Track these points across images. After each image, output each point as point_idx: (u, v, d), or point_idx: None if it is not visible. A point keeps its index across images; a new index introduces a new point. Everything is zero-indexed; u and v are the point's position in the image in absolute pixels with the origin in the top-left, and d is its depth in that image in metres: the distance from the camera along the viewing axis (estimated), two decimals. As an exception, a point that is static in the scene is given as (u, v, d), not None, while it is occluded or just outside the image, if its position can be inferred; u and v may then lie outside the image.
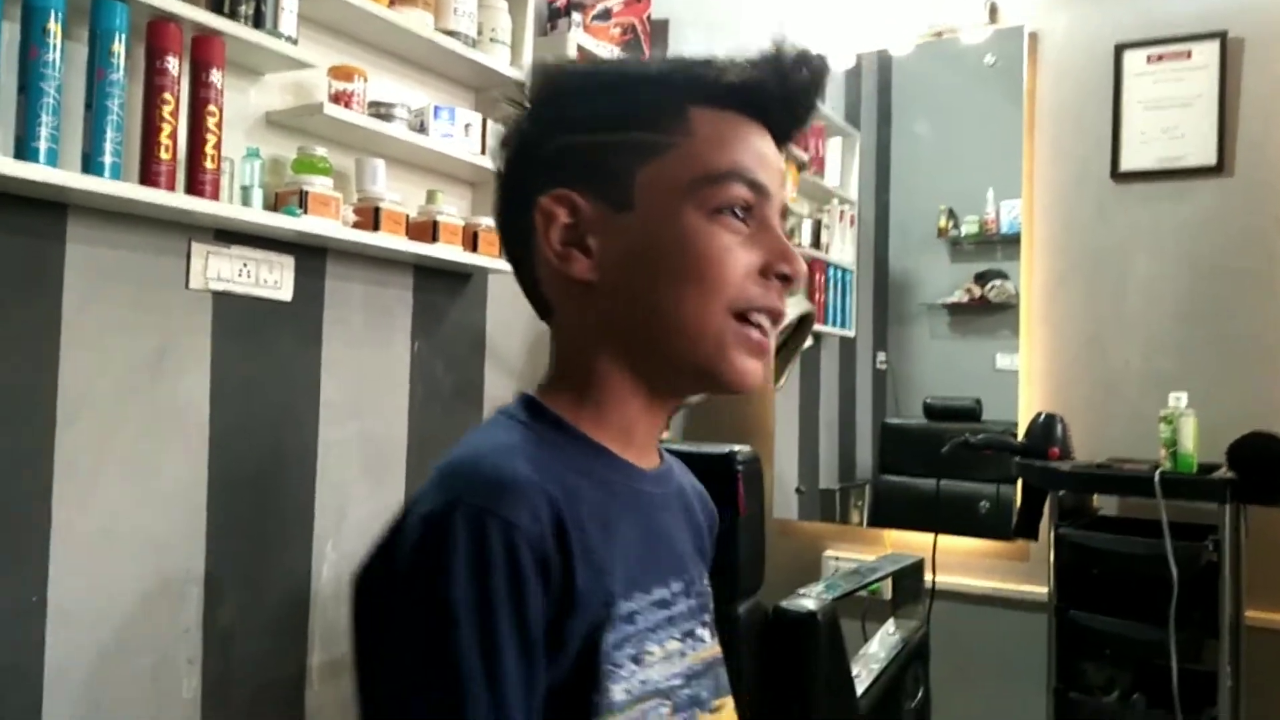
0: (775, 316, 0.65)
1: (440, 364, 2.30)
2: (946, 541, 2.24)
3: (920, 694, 1.81)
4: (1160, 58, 2.25)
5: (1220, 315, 2.19)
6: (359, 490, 2.09)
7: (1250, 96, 2.18)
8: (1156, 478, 1.84)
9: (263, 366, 1.89)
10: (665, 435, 2.47)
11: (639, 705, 0.59)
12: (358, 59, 2.02)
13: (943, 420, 3.14)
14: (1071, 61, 2.37)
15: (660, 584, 0.64)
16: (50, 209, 1.52)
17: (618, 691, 0.58)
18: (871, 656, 1.76)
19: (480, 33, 2.24)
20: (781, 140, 0.68)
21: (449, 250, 2.12)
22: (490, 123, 2.26)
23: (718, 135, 0.63)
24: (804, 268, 0.65)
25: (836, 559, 2.49)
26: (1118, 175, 2.30)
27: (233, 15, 1.69)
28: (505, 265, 2.10)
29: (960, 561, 2.36)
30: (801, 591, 1.56)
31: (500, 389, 2.45)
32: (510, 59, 2.32)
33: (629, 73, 0.69)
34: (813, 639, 1.42)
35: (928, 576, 2.13)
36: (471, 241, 2.19)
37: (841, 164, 3.93)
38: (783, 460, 3.03)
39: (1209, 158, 2.20)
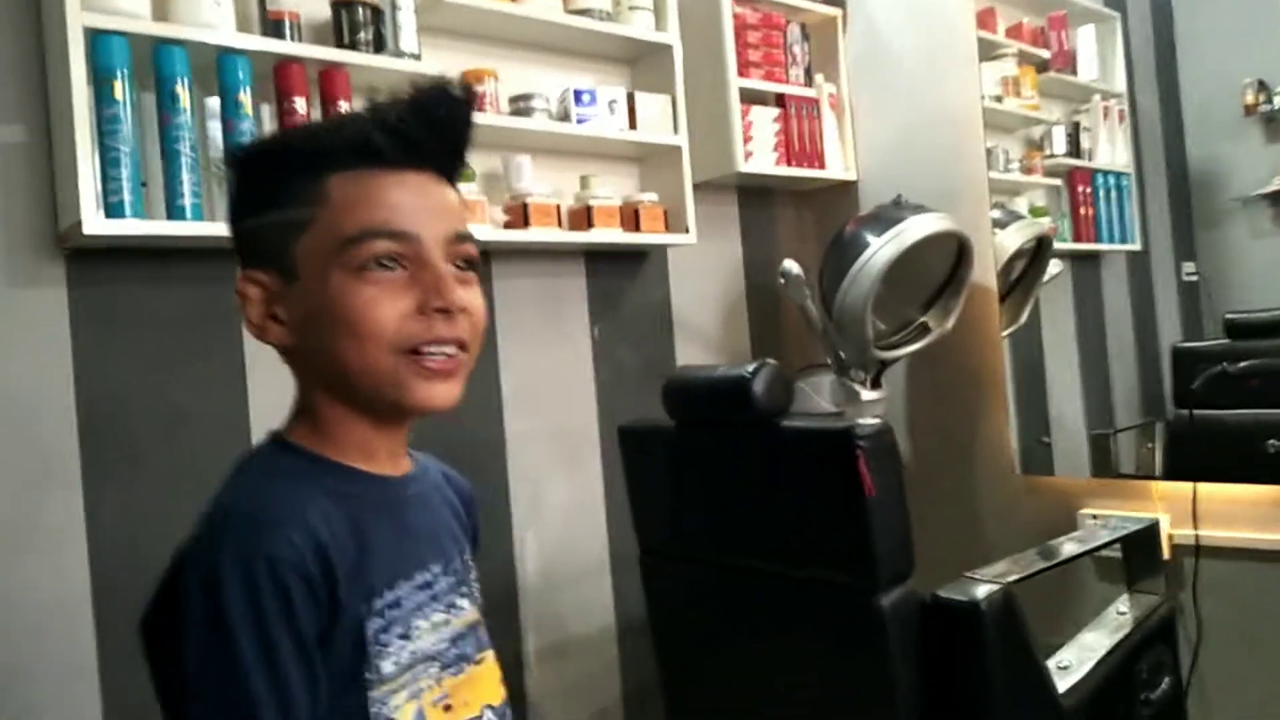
0: (449, 342, 0.71)
1: (625, 346, 2.29)
2: (1244, 491, 1.84)
3: (1165, 684, 1.50)
4: None
5: None
6: (553, 480, 2.14)
7: None
8: None
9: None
10: (874, 394, 2.27)
11: (409, 671, 0.71)
12: (489, 58, 2.03)
13: (1248, 338, 2.61)
14: None
15: (421, 569, 0.76)
16: (217, 255, 1.69)
17: (387, 665, 0.70)
18: (1087, 645, 1.48)
19: (618, 3, 2.17)
20: (447, 173, 0.75)
21: (608, 234, 2.09)
22: (640, 95, 2.19)
23: (350, 199, 0.70)
24: (457, 295, 0.70)
25: (1094, 518, 2.15)
26: None
27: (353, 46, 1.77)
28: (684, 239, 2.04)
29: (1258, 514, 1.94)
30: (975, 574, 1.34)
31: (696, 361, 2.39)
32: (655, 24, 2.23)
33: (280, 150, 0.77)
34: (976, 634, 1.22)
35: (1190, 533, 1.76)
36: (634, 220, 2.15)
37: (1099, 54, 3.38)
38: (1038, 405, 2.67)
39: None
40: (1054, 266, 2.76)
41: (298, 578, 0.64)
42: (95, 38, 1.47)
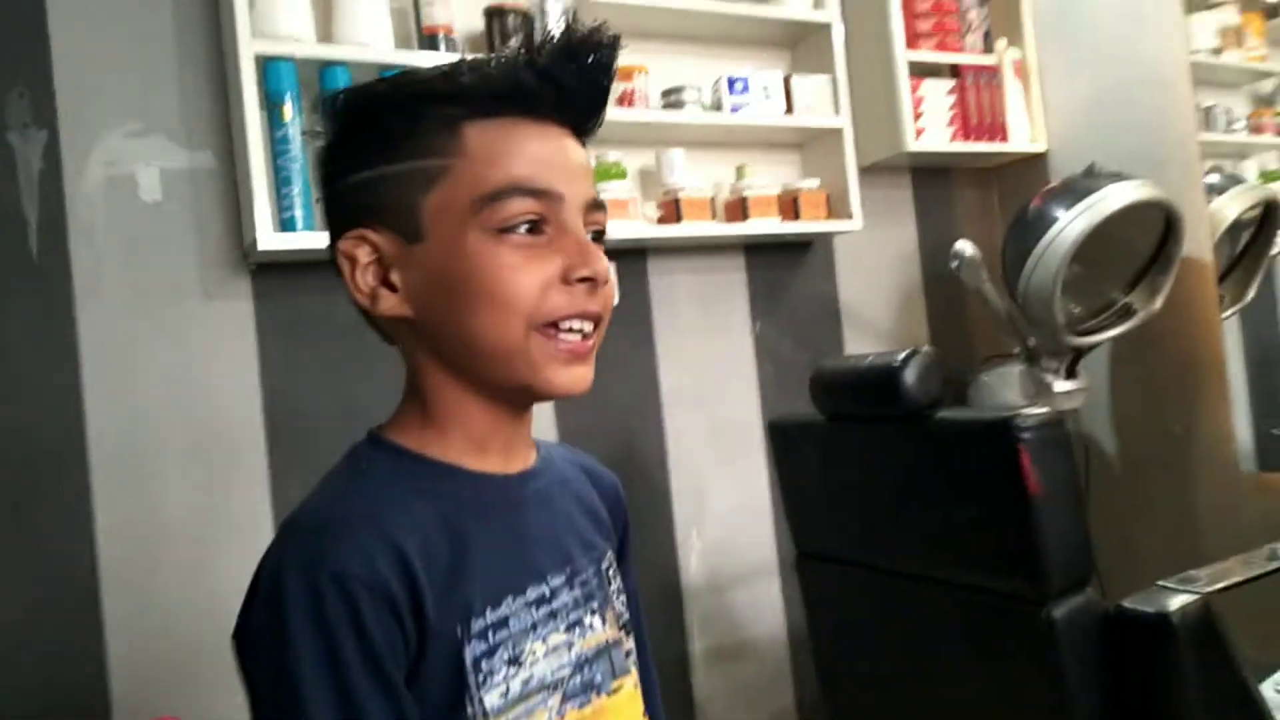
0: (590, 318, 0.65)
1: (789, 340, 2.21)
2: None
3: None
4: None
5: None
6: (716, 477, 2.10)
7: None
8: None
9: (601, 368, 2.00)
10: (1069, 385, 2.08)
11: (521, 704, 0.62)
12: (640, 53, 2.01)
13: None
14: None
15: (537, 582, 0.66)
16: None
17: (493, 698, 0.61)
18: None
19: (770, -14, 2.10)
20: (581, 131, 0.67)
21: (765, 224, 2.03)
22: (795, 78, 2.11)
23: (491, 150, 0.63)
24: (605, 265, 0.64)
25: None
26: None
27: (504, 53, 1.81)
28: (849, 225, 1.96)
29: None
30: (1172, 582, 1.17)
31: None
32: (813, 2, 2.15)
33: (403, 93, 0.65)
34: (1166, 651, 1.06)
35: None
36: (793, 209, 2.07)
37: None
38: (1272, 392, 2.34)
39: None
40: (1283, 239, 2.41)
41: (370, 593, 0.56)
42: (265, 64, 1.59)
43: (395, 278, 0.64)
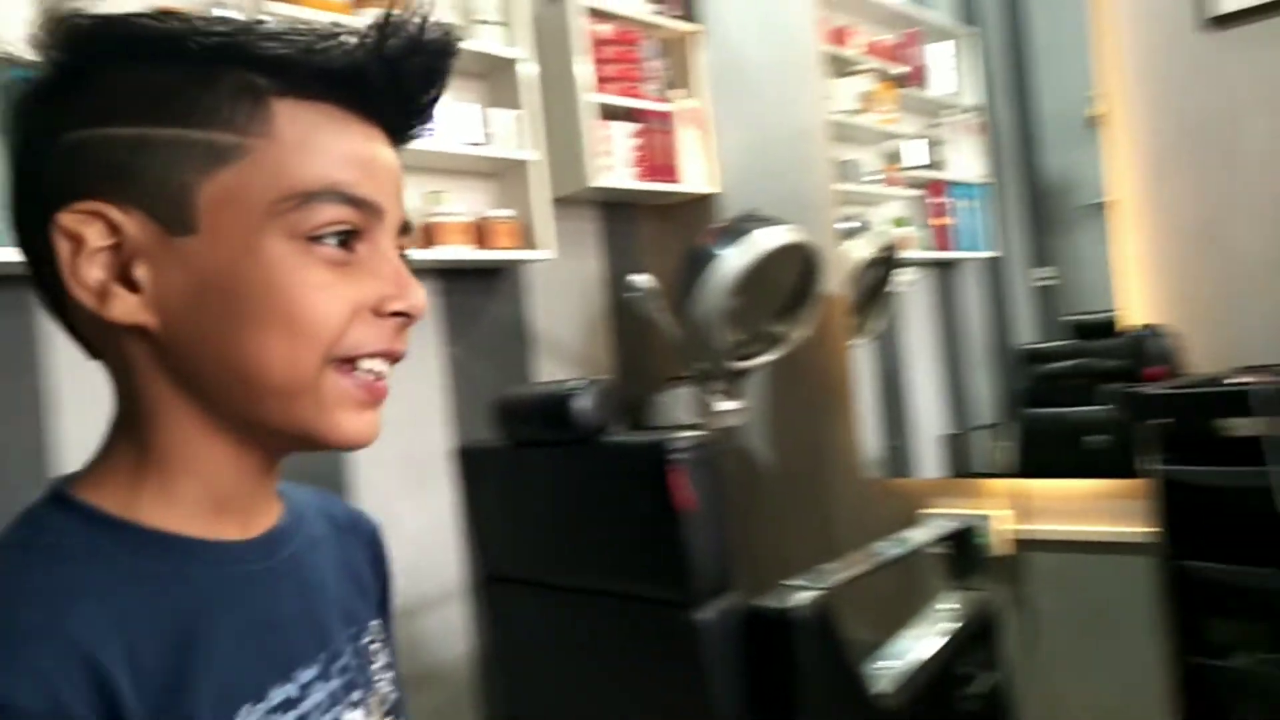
0: (393, 358, 0.54)
1: (483, 365, 2.28)
2: (1067, 485, 1.94)
3: (987, 679, 1.56)
4: None
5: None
6: (405, 503, 2.11)
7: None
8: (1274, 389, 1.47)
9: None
10: (730, 405, 2.31)
11: None
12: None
13: (1087, 338, 2.75)
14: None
15: (281, 681, 0.52)
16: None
17: None
18: (910, 645, 1.54)
19: (468, 18, 2.17)
20: (398, 140, 0.55)
21: (455, 250, 2.08)
22: (489, 110, 2.19)
23: (306, 139, 0.49)
24: (423, 300, 0.53)
25: (936, 517, 2.23)
26: (1211, 21, 1.86)
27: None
28: (541, 254, 1.96)
29: (1081, 508, 2.04)
30: (797, 580, 1.38)
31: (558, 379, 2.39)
32: (506, 39, 2.23)
33: (192, 39, 0.48)
34: (786, 643, 1.25)
35: (1022, 528, 1.85)
36: (486, 236, 2.14)
37: (958, 69, 3.52)
38: (895, 409, 2.76)
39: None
40: (907, 275, 2.86)
41: None
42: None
43: (141, 274, 0.48)
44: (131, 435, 0.51)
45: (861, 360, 2.59)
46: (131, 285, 0.49)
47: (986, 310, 3.80)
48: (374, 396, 0.53)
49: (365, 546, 0.67)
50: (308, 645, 0.55)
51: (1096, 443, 2.04)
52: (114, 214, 0.48)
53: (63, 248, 0.49)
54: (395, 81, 0.52)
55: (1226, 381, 1.61)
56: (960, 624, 1.60)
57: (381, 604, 0.68)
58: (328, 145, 0.50)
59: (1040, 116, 3.78)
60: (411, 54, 0.51)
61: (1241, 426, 1.57)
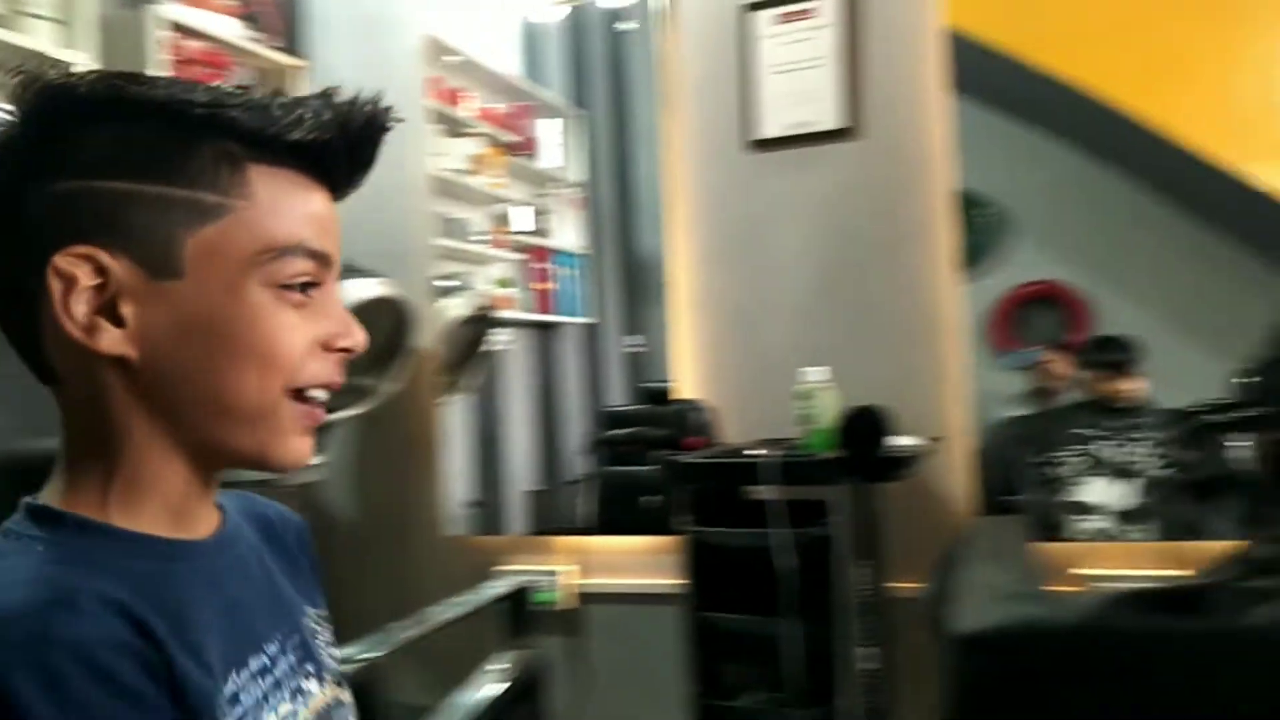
0: (333, 389, 0.62)
1: None
2: (622, 542, 2.10)
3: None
4: (787, 17, 2.14)
5: (859, 285, 2.11)
6: None
7: (876, 55, 2.10)
8: (774, 462, 1.73)
9: None
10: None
11: None
12: None
13: (655, 404, 3.01)
14: (703, 25, 2.24)
15: (255, 652, 0.62)
16: None
17: None
18: (458, 707, 1.58)
19: (15, 5, 1.90)
20: (337, 196, 0.64)
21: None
22: None
23: (277, 201, 0.59)
24: (364, 338, 0.62)
25: (506, 575, 2.31)
26: (754, 143, 2.19)
27: None
28: None
29: (635, 562, 2.23)
30: (357, 646, 1.35)
31: None
32: (63, 38, 1.99)
33: (174, 107, 0.56)
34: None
35: (586, 582, 1.97)
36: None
37: (565, 146, 3.77)
38: (487, 466, 2.83)
39: (838, 121, 2.11)
40: (504, 335, 2.96)
41: (121, 654, 0.50)
42: None
43: (127, 311, 0.56)
44: (98, 454, 0.58)
45: (455, 417, 2.63)
46: (117, 321, 0.56)
47: (583, 373, 4.07)
48: (316, 421, 0.61)
49: (296, 540, 0.75)
50: (267, 625, 0.65)
51: (651, 502, 2.25)
52: (104, 258, 0.56)
53: (55, 286, 0.55)
54: (350, 153, 0.62)
55: (746, 452, 1.87)
56: (509, 682, 1.66)
57: (316, 588, 0.77)
58: (295, 206, 0.59)
59: (638, 197, 4.16)
60: (367, 129, 0.62)
61: (754, 492, 1.83)
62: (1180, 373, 2.66)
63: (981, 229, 4.20)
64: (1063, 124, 3.83)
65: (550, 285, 3.56)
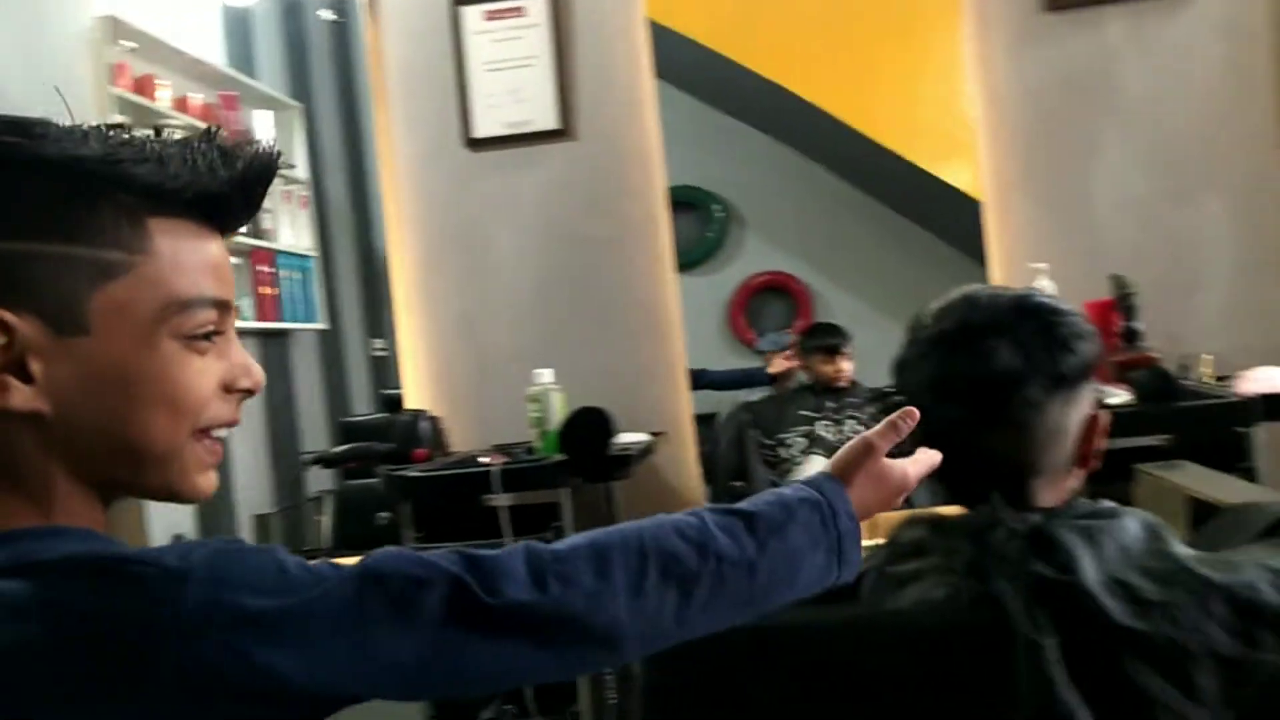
0: (232, 426, 0.64)
1: None
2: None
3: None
4: (496, 14, 2.10)
5: (579, 285, 2.12)
6: None
7: (585, 56, 2.10)
8: (496, 473, 1.68)
9: None
10: None
11: None
12: None
13: (394, 413, 2.86)
14: (411, 18, 2.15)
15: None
16: None
17: None
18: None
19: None
20: (227, 236, 0.64)
21: None
22: None
23: (179, 254, 0.59)
24: (263, 377, 0.64)
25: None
26: (471, 142, 2.13)
27: None
28: None
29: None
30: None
31: None
32: None
33: (67, 164, 0.56)
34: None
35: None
36: None
37: (281, 139, 3.52)
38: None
39: (553, 121, 2.09)
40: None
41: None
42: None
43: (35, 368, 0.56)
44: (14, 494, 0.59)
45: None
46: (26, 377, 0.56)
47: (326, 382, 3.84)
48: (218, 458, 0.63)
49: None
50: None
51: (385, 519, 2.15)
52: (8, 317, 0.56)
53: None
54: (246, 200, 0.62)
55: (480, 460, 1.82)
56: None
57: None
58: (195, 257, 0.59)
59: (373, 194, 3.98)
60: (260, 177, 0.61)
61: (491, 501, 1.78)
62: (890, 353, 2.90)
63: (716, 224, 4.41)
64: (781, 125, 4.08)
65: (273, 290, 3.32)
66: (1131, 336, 1.64)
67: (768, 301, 4.58)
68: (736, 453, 2.82)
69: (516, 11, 2.09)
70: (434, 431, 1.95)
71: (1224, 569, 0.76)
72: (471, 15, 2.11)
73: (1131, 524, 0.79)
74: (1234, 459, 1.60)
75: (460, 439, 2.10)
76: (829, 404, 2.80)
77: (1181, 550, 0.77)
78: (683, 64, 3.34)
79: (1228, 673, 0.72)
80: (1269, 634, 0.73)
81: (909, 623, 0.78)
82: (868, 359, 2.81)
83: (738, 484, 2.51)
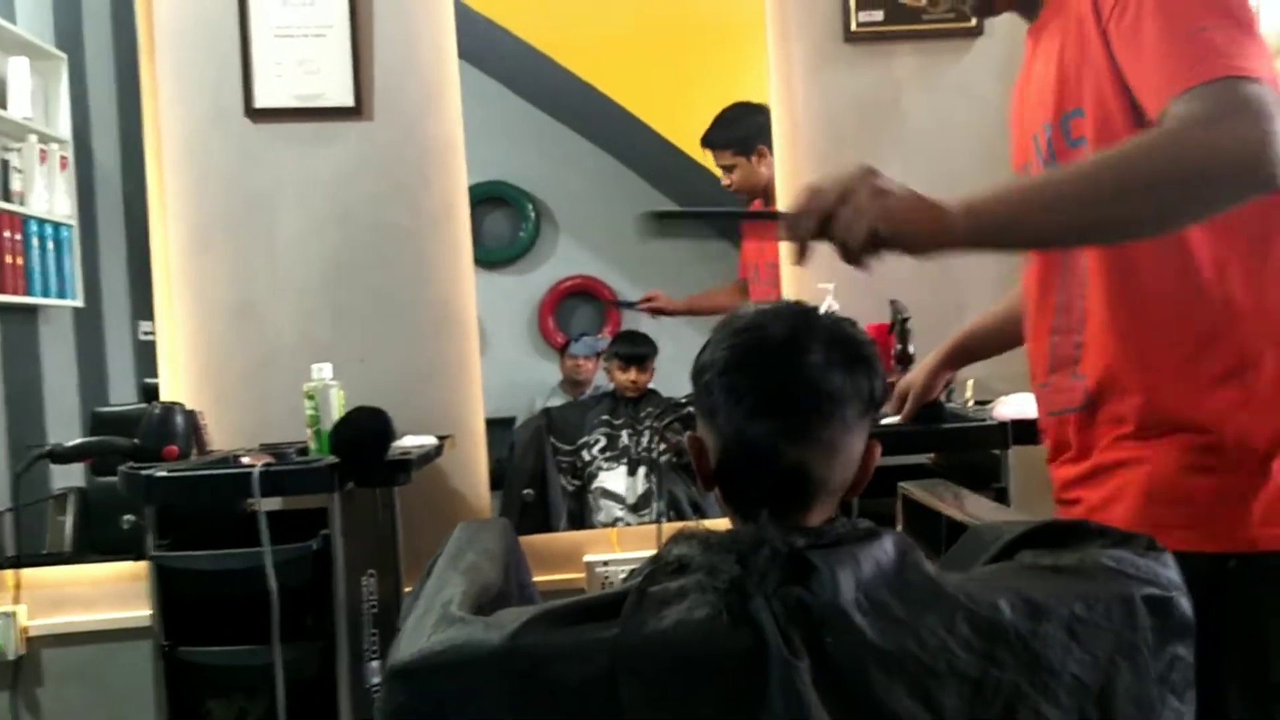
0: None
1: None
2: (83, 571, 1.77)
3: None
4: (289, -26, 1.94)
5: (371, 275, 1.99)
6: None
7: (383, 32, 1.98)
8: (256, 475, 1.54)
9: None
10: None
11: None
12: None
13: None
14: (193, -31, 1.96)
15: None
16: None
17: None
18: None
19: None
20: None
21: None
22: None
23: None
24: None
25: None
26: (254, 112, 1.96)
27: None
28: None
29: (107, 594, 1.89)
30: None
31: None
32: None
33: None
34: None
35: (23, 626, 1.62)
36: None
37: (42, 93, 3.13)
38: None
39: (347, 98, 1.96)
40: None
41: None
42: None
43: None
44: None
45: None
46: None
47: (78, 366, 3.44)
48: None
49: None
50: None
51: (129, 522, 1.94)
52: None
53: None
54: None
55: (240, 461, 1.65)
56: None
57: None
58: None
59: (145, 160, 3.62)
60: None
61: (253, 506, 1.62)
62: (689, 363, 2.94)
63: (529, 223, 4.34)
64: (598, 129, 4.06)
65: (19, 259, 2.94)
66: (905, 360, 1.71)
67: (577, 305, 4.55)
68: (533, 458, 2.76)
69: (311, -27, 1.94)
70: (190, 426, 1.77)
71: (973, 588, 0.78)
72: (261, -27, 1.94)
73: (888, 544, 0.79)
74: (989, 479, 1.71)
75: (229, 437, 1.93)
76: (629, 412, 2.79)
77: (930, 570, 0.78)
78: (502, 58, 3.25)
79: (969, 692, 0.73)
80: (1008, 654, 0.74)
81: (666, 644, 0.75)
82: (670, 368, 2.84)
83: (527, 491, 2.45)
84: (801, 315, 0.83)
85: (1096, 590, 0.77)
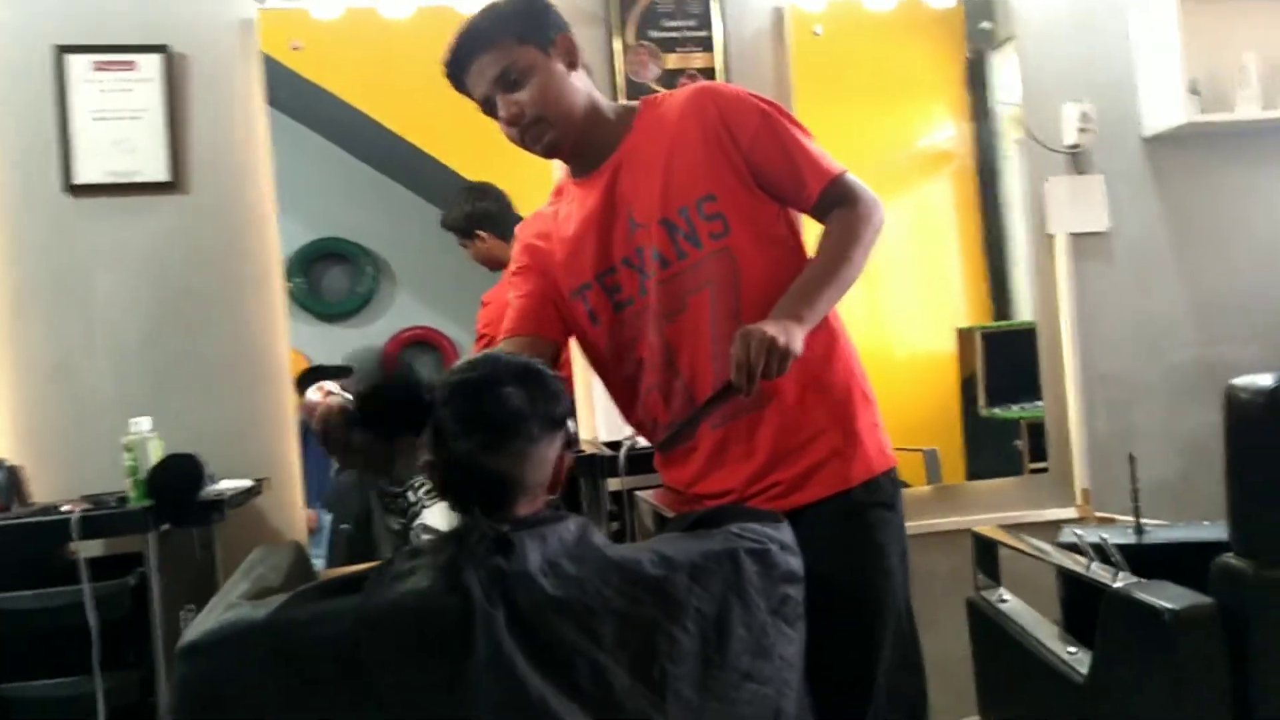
0: None
1: None
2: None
3: None
4: (106, 66, 2.12)
5: (189, 336, 2.16)
6: None
7: (200, 114, 2.18)
8: (75, 519, 1.69)
9: None
10: None
11: None
12: None
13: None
14: (11, 58, 2.11)
15: None
16: None
17: None
18: None
19: None
20: None
21: None
22: None
23: None
24: None
25: None
26: (72, 188, 2.11)
27: None
28: None
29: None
30: None
31: None
32: None
33: None
34: None
35: None
36: None
37: None
38: None
39: (163, 174, 2.14)
40: None
41: None
42: None
43: None
44: None
45: None
46: None
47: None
48: None
49: None
50: None
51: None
52: None
53: None
54: None
55: (63, 509, 1.79)
56: None
57: None
58: None
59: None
60: None
61: (73, 552, 1.76)
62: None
63: (367, 278, 4.48)
64: (425, 184, 4.29)
65: None
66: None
67: (418, 355, 4.70)
68: (358, 498, 2.92)
69: (128, 65, 2.12)
70: (12, 481, 1.89)
71: (626, 551, 1.06)
72: (78, 63, 2.11)
73: (571, 525, 1.07)
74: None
75: (49, 489, 2.04)
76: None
77: (599, 540, 1.06)
78: (333, 119, 3.44)
79: (620, 623, 1.01)
80: (647, 594, 1.03)
81: (397, 608, 0.99)
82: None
83: (344, 527, 2.61)
84: (494, 360, 1.11)
85: (712, 546, 1.07)
